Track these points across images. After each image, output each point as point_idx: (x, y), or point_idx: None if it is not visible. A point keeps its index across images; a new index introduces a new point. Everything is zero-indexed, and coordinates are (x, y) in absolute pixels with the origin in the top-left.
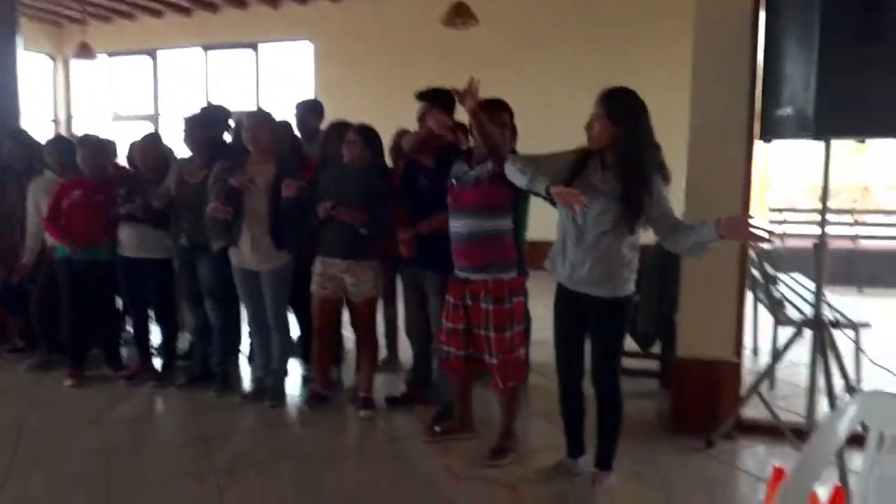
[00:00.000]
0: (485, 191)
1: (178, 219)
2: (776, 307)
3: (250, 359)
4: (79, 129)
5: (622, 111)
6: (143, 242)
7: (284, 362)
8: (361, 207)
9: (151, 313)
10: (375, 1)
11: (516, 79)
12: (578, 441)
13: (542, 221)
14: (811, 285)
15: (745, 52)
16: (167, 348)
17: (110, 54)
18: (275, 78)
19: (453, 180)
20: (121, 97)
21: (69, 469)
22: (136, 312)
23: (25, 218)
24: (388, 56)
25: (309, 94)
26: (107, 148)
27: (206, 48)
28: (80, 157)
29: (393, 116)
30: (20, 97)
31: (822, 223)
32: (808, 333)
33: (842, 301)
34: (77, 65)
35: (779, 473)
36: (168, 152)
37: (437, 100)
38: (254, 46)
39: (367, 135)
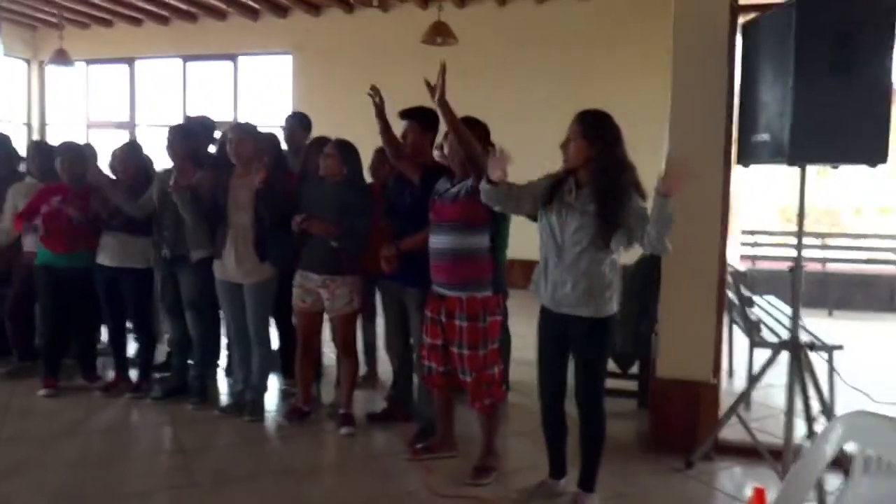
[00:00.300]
0: (463, 206)
1: (161, 229)
2: (752, 329)
3: (227, 372)
4: (53, 135)
5: (598, 131)
6: (123, 252)
7: (265, 376)
8: (336, 221)
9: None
10: (355, 15)
11: (493, 97)
12: (561, 461)
13: (523, 241)
14: (784, 307)
15: (722, 80)
16: (144, 359)
17: (87, 61)
18: (253, 90)
19: (435, 196)
20: (96, 104)
21: (45, 480)
22: (114, 322)
23: None
24: (366, 70)
25: (287, 107)
26: (86, 154)
27: (184, 58)
28: (59, 163)
29: (371, 130)
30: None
31: (799, 247)
32: (783, 355)
33: (814, 324)
34: (52, 70)
35: (760, 494)
36: (148, 160)
37: (420, 118)
38: (233, 58)
39: (344, 149)
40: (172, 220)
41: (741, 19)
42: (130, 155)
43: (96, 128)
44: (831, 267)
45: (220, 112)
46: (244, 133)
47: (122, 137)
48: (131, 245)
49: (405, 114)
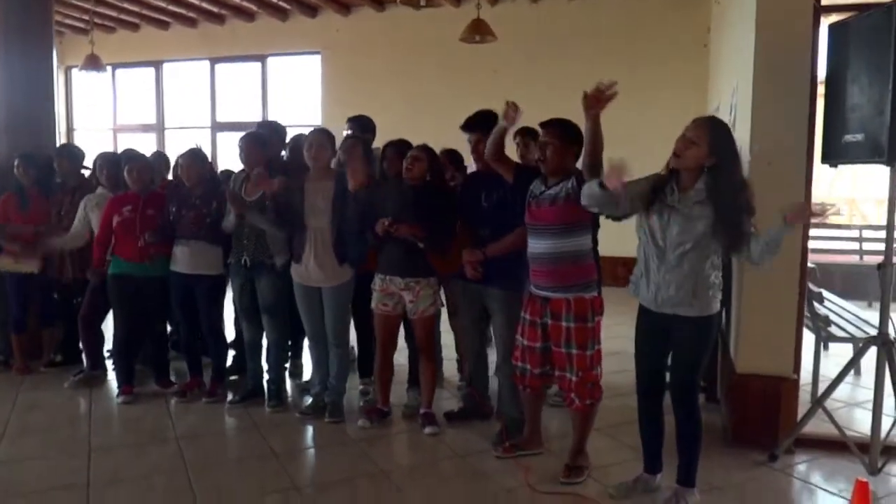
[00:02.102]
0: (563, 209)
1: (240, 237)
2: (821, 325)
3: (292, 374)
4: (79, 140)
5: (721, 143)
6: (196, 259)
7: (343, 378)
8: (419, 223)
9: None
10: (385, 13)
11: (528, 93)
12: (657, 457)
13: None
14: (841, 302)
15: (805, 80)
16: (217, 364)
17: (113, 65)
18: (282, 90)
19: (530, 199)
20: (123, 108)
21: (151, 486)
22: (188, 328)
23: None
24: (396, 69)
25: (317, 107)
26: (153, 163)
27: (212, 60)
28: (126, 172)
29: (400, 130)
30: (56, 112)
31: (889, 242)
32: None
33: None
34: (79, 75)
35: (863, 488)
36: (211, 166)
37: (483, 126)
38: (261, 59)
39: (431, 153)
40: (252, 227)
41: (824, 20)
42: (195, 162)
43: (123, 132)
44: None
45: (249, 113)
46: (325, 139)
47: (150, 141)
48: (204, 253)
49: (470, 127)
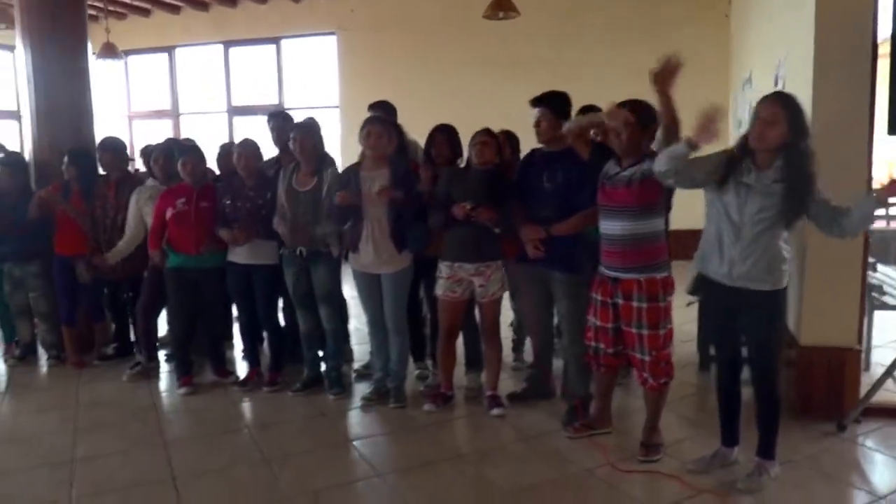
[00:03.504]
0: (638, 191)
1: (294, 228)
2: (873, 293)
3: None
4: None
5: (800, 120)
6: (253, 249)
7: (404, 364)
8: (493, 207)
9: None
10: None
11: (551, 73)
12: (734, 431)
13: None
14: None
15: (867, 47)
16: (276, 353)
17: (126, 52)
18: (298, 73)
19: (604, 180)
20: (137, 95)
21: (235, 477)
22: (246, 318)
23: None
24: (414, 47)
25: (334, 89)
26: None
27: (226, 44)
28: (181, 164)
29: (418, 110)
30: (93, 101)
31: None
32: None
33: None
34: (93, 63)
35: None
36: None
37: (552, 104)
38: (276, 41)
39: (495, 136)
40: (306, 216)
41: None
42: (252, 153)
43: (138, 118)
44: None
45: (265, 97)
46: (384, 127)
47: (166, 127)
48: (261, 243)
49: (538, 101)
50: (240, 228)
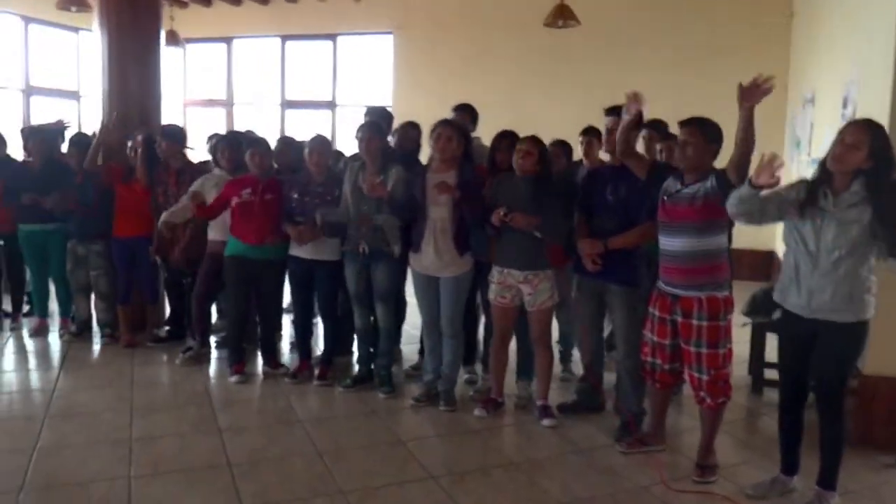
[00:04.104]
0: (702, 208)
1: (359, 225)
2: None
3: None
4: None
5: (884, 147)
6: (318, 244)
7: (456, 367)
8: (534, 214)
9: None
10: None
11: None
12: (795, 460)
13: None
14: None
15: None
16: (329, 348)
17: (186, 40)
18: (353, 70)
19: (664, 196)
20: (193, 83)
21: (291, 469)
22: (302, 312)
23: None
24: (470, 51)
25: (388, 88)
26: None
27: (283, 38)
28: (249, 156)
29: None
30: (161, 91)
31: None
32: None
33: None
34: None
35: None
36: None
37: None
38: (332, 38)
39: (540, 144)
40: (371, 215)
41: None
42: (324, 149)
43: (192, 106)
44: None
45: (319, 92)
46: (454, 131)
47: (220, 116)
48: (325, 238)
49: (612, 110)
50: (305, 228)
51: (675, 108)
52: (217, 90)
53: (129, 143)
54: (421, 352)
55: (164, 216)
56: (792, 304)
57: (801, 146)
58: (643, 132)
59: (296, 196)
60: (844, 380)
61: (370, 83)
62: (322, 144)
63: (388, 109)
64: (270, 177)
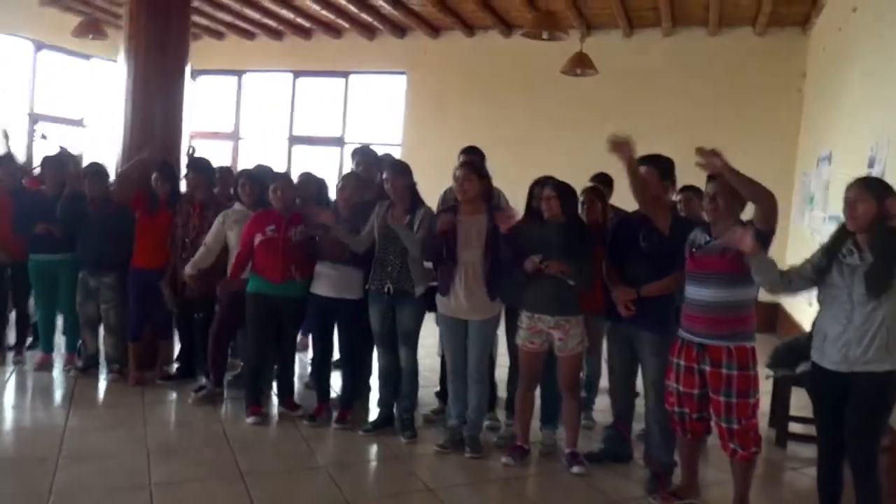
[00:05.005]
0: (733, 260)
1: (384, 264)
2: None
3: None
4: None
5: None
6: (340, 282)
7: (482, 413)
8: (565, 261)
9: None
10: (474, 38)
11: (618, 127)
12: None
13: None
14: None
15: None
16: (349, 390)
17: (195, 72)
18: (364, 108)
19: (693, 248)
20: (201, 115)
21: None
22: (322, 351)
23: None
24: (482, 95)
25: (398, 127)
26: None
27: (295, 73)
28: (272, 191)
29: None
30: (183, 121)
31: None
32: None
33: None
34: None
35: None
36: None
37: (656, 165)
38: (345, 75)
39: (564, 190)
40: (397, 256)
41: None
42: (357, 186)
43: (198, 138)
44: None
45: (328, 128)
46: (472, 171)
47: (226, 149)
48: (348, 276)
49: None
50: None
51: (686, 161)
52: (225, 123)
53: (154, 175)
54: (438, 395)
55: (188, 268)
56: (829, 362)
57: (815, 202)
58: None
59: (321, 231)
60: (878, 433)
61: (380, 122)
62: (355, 182)
63: (373, 148)
64: (294, 212)
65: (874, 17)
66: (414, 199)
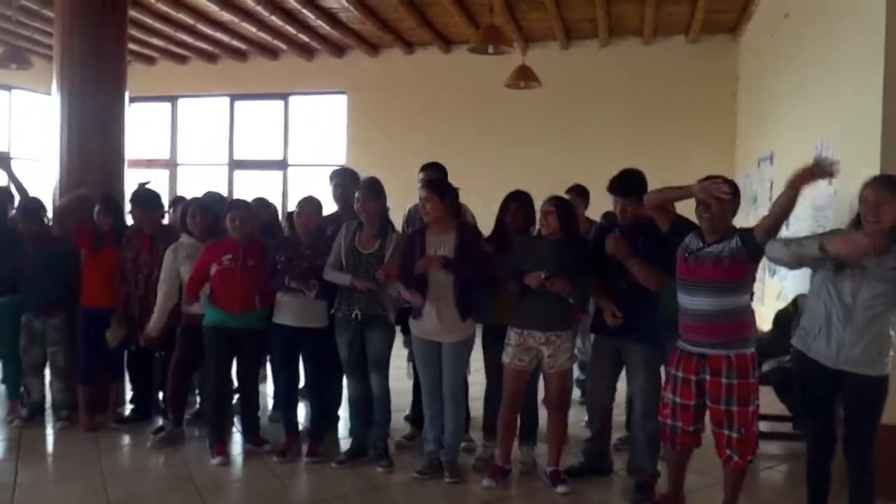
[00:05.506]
0: (728, 268)
1: (351, 291)
2: None
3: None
4: None
5: None
6: (304, 311)
7: (459, 436)
8: (565, 277)
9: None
10: (414, 55)
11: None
12: None
13: None
14: None
15: None
16: (317, 422)
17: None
18: (305, 129)
19: (686, 254)
20: (134, 143)
21: None
22: (288, 383)
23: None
24: (424, 111)
25: (341, 147)
26: (252, 211)
27: (232, 97)
28: (229, 220)
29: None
30: (125, 148)
31: None
32: None
33: None
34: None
35: None
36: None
37: (637, 192)
38: (284, 97)
39: (562, 206)
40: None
41: None
42: (314, 210)
43: (132, 167)
44: None
45: (269, 151)
46: (431, 192)
47: (162, 177)
48: (312, 304)
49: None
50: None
51: (625, 164)
52: (160, 149)
53: (97, 208)
54: (409, 419)
55: (153, 329)
56: (817, 353)
57: (759, 201)
58: None
59: (283, 259)
60: (875, 432)
61: (323, 143)
62: (312, 205)
63: (353, 169)
64: (251, 241)
65: (806, 22)
66: (384, 224)
